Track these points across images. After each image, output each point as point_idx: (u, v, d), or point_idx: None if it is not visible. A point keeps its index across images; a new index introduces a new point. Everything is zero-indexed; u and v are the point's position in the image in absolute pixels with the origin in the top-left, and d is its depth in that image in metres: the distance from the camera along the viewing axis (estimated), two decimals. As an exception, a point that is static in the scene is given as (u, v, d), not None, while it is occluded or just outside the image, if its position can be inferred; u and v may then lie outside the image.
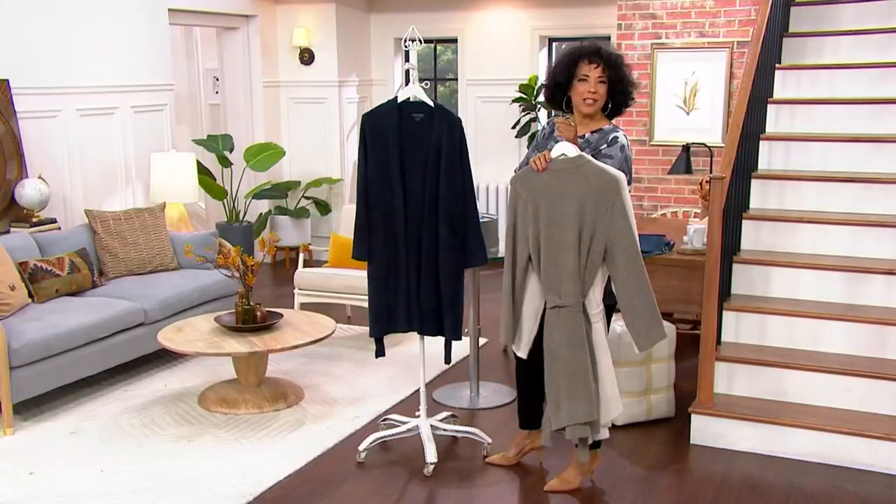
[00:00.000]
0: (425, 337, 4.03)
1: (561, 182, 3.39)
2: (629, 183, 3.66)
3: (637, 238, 3.40)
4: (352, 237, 3.96)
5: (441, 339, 3.99)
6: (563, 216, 3.38)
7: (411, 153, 3.82)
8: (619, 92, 3.69)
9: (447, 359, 4.05)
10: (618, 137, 3.64)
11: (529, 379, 3.80)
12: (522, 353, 3.67)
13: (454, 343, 4.00)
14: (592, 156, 3.62)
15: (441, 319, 3.89)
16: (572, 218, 3.37)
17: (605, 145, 3.63)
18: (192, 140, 7.92)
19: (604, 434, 3.58)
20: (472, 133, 8.02)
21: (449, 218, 3.79)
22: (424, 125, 3.80)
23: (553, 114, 3.90)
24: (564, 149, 3.43)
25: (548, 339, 3.50)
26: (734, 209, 4.50)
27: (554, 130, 3.75)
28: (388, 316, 3.94)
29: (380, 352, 4.07)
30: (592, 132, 3.71)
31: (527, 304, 3.58)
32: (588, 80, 3.63)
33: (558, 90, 3.75)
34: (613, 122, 3.79)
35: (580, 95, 3.66)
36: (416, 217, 3.83)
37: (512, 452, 4.01)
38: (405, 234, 3.85)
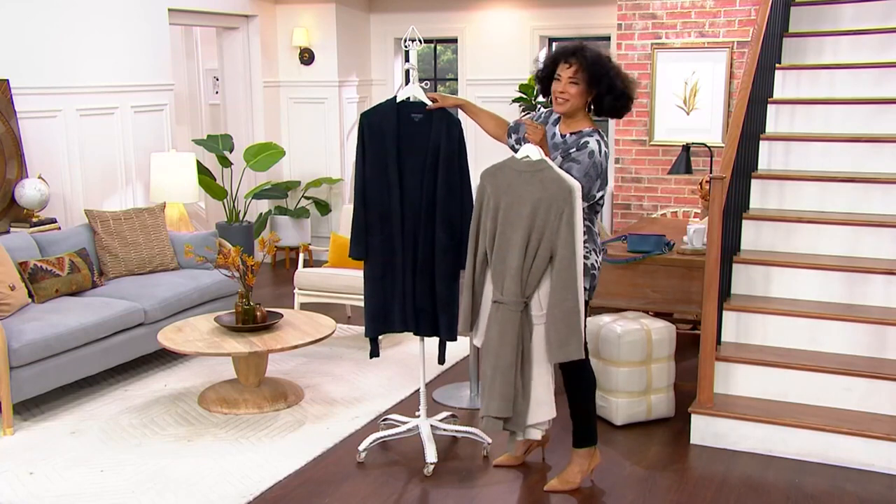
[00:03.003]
0: (425, 337, 4.03)
1: (521, 184, 3.44)
2: (601, 188, 3.61)
3: (579, 250, 3.39)
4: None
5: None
6: (516, 216, 3.44)
7: (409, 153, 3.82)
8: (605, 94, 3.63)
9: (441, 359, 4.05)
10: (588, 143, 3.59)
11: None
12: (478, 343, 3.69)
13: (451, 343, 4.01)
14: (562, 157, 3.61)
15: (437, 320, 3.90)
16: (524, 219, 3.41)
17: (575, 149, 3.61)
18: (192, 140, 7.92)
19: (533, 434, 3.56)
20: (471, 133, 8.01)
21: (446, 219, 3.79)
22: (423, 125, 3.80)
23: (534, 115, 3.90)
24: (529, 151, 3.47)
25: (486, 331, 3.56)
26: (734, 209, 4.50)
27: (549, 116, 3.78)
28: (383, 316, 3.95)
29: (374, 352, 4.09)
30: (572, 133, 3.69)
31: (486, 296, 3.61)
32: (560, 80, 3.64)
33: (542, 87, 3.79)
34: (612, 122, 3.79)
35: (553, 94, 3.68)
36: (413, 217, 3.83)
37: (519, 451, 4.01)
38: (402, 235, 3.85)
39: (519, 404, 3.49)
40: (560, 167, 3.51)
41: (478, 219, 3.58)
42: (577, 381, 3.67)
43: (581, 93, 3.63)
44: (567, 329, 3.40)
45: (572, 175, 3.49)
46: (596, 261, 3.71)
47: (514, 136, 3.87)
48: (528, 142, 3.52)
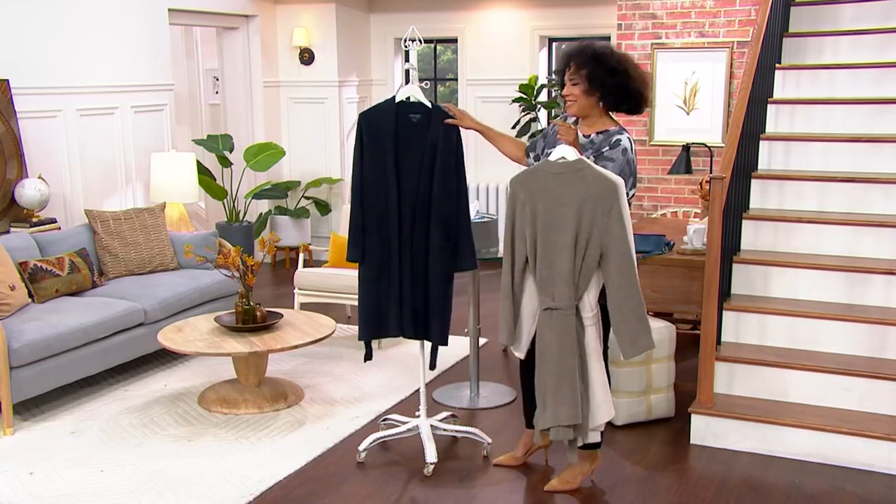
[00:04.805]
0: (416, 340, 4.00)
1: (560, 185, 3.40)
2: (633, 185, 3.67)
3: (632, 245, 3.40)
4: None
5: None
6: (560, 219, 3.39)
7: (407, 153, 3.81)
8: (602, 87, 3.66)
9: (432, 364, 4.02)
10: (621, 140, 3.65)
11: (533, 378, 3.80)
12: (521, 354, 3.67)
13: (445, 347, 3.99)
14: (595, 157, 3.63)
15: (428, 323, 3.89)
16: (570, 221, 3.37)
17: (608, 147, 3.64)
18: (192, 140, 7.92)
19: (593, 437, 3.57)
20: (472, 133, 8.02)
21: (442, 221, 3.78)
22: (421, 126, 3.79)
23: (553, 114, 3.94)
24: (564, 152, 3.44)
25: (539, 341, 3.51)
26: (734, 209, 4.50)
27: (566, 120, 3.81)
28: (377, 320, 3.91)
29: (368, 356, 4.08)
30: (598, 133, 3.72)
31: (525, 305, 3.58)
32: (567, 83, 3.71)
33: (561, 93, 3.85)
34: (621, 122, 3.80)
35: (563, 98, 3.76)
36: (410, 218, 3.82)
37: (520, 452, 4.01)
38: (399, 236, 3.82)
39: (584, 409, 3.47)
40: None
41: (512, 227, 3.54)
42: None
43: (584, 91, 3.66)
44: (637, 323, 3.40)
45: None
46: None
47: (531, 155, 3.90)
48: (561, 142, 3.53)
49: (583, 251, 3.38)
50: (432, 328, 3.88)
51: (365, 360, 4.09)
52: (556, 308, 3.43)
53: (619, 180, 3.39)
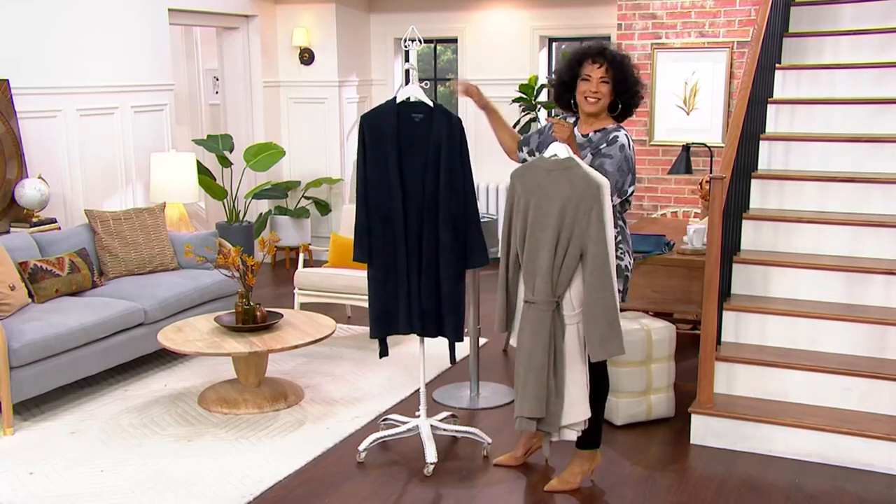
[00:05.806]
0: (426, 337, 4.03)
1: (550, 182, 3.43)
2: (633, 182, 3.66)
3: (611, 247, 3.39)
4: (351, 237, 3.96)
5: (442, 340, 3.99)
6: (545, 215, 3.43)
7: (410, 154, 3.81)
8: (625, 92, 3.70)
9: (452, 360, 4.04)
10: (618, 137, 3.65)
11: None
12: (514, 342, 3.69)
13: (458, 344, 4.00)
14: (592, 154, 3.63)
15: (442, 320, 3.89)
16: (553, 218, 3.40)
17: (605, 144, 3.65)
18: (192, 140, 7.92)
19: (568, 435, 3.57)
20: (472, 133, 7.96)
21: (450, 219, 3.78)
22: (424, 126, 3.79)
23: (552, 113, 3.93)
24: (557, 149, 3.46)
25: (519, 332, 3.56)
26: (734, 209, 4.50)
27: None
28: (387, 318, 3.94)
29: (383, 352, 4.07)
30: (596, 131, 3.72)
31: (520, 296, 3.61)
32: (590, 80, 3.67)
33: (564, 90, 3.79)
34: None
35: (582, 94, 3.70)
36: (416, 218, 3.82)
37: (520, 452, 4.01)
38: (405, 236, 3.84)
39: (553, 404, 3.48)
40: (591, 164, 3.52)
41: (509, 219, 3.58)
42: (594, 384, 3.65)
43: (610, 91, 3.67)
44: (608, 326, 3.39)
45: (605, 170, 3.52)
46: (629, 262, 3.72)
47: (525, 150, 3.90)
48: (556, 140, 3.53)
49: (563, 249, 3.41)
50: (447, 326, 3.89)
51: (380, 357, 4.09)
52: (534, 302, 3.46)
53: (604, 181, 3.39)
